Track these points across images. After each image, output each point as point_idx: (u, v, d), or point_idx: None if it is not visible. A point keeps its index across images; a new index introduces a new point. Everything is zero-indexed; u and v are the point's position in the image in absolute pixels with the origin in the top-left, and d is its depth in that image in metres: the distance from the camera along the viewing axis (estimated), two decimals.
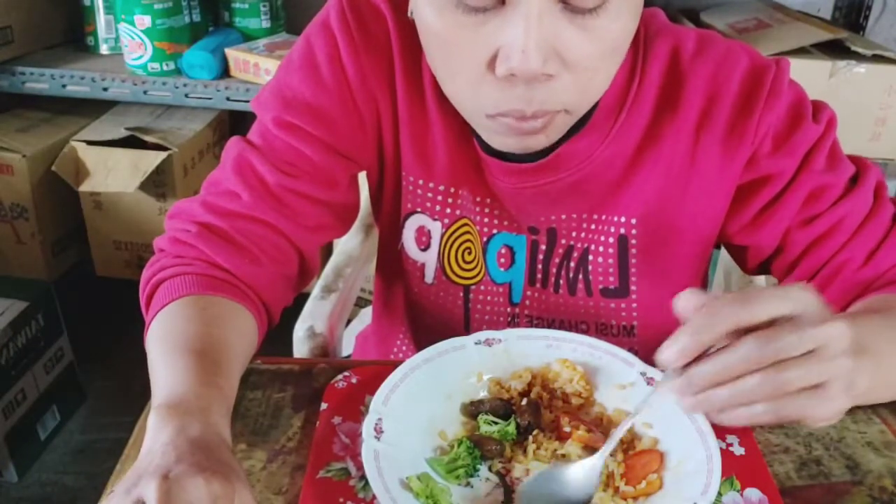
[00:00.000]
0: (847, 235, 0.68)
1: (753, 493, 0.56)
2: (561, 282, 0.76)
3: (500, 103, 0.57)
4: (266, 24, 1.86)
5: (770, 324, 0.48)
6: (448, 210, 0.75)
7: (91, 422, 1.76)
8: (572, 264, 0.75)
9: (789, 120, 0.67)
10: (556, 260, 0.75)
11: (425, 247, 0.78)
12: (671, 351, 0.48)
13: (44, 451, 1.67)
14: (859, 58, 1.55)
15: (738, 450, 0.59)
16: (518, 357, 0.66)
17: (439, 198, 0.75)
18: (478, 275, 0.77)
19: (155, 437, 0.50)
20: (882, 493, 0.57)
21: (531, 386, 0.65)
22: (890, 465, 0.60)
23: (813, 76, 1.54)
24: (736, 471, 0.57)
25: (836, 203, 0.68)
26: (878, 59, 1.56)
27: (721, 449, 0.56)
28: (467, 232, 0.76)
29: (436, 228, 0.76)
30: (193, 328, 0.61)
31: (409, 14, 0.62)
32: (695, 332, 0.48)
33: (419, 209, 0.76)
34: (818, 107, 0.69)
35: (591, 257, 0.74)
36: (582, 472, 0.55)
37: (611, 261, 0.74)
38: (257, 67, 1.70)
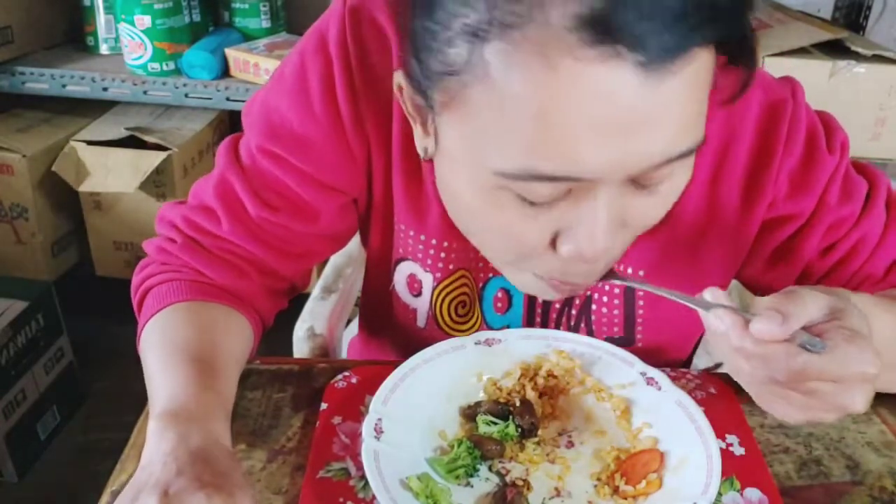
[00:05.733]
0: (866, 255, 0.67)
1: (753, 493, 0.56)
2: (561, 328, 0.73)
3: (556, 273, 0.54)
4: (266, 24, 1.85)
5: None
6: (440, 265, 0.71)
7: (91, 422, 1.76)
8: (573, 312, 0.72)
9: (805, 157, 0.64)
10: (556, 305, 0.72)
11: (417, 293, 0.74)
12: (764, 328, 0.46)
13: (44, 451, 1.67)
14: (859, 58, 1.55)
15: (738, 450, 0.59)
16: (518, 357, 0.66)
17: (431, 251, 0.70)
18: (472, 326, 0.74)
19: (156, 446, 0.49)
20: (882, 493, 0.57)
21: (523, 380, 0.64)
22: (890, 465, 0.60)
23: (813, 76, 1.54)
24: (736, 471, 0.57)
25: (852, 228, 0.66)
26: (878, 59, 1.55)
27: (721, 449, 0.56)
28: (463, 284, 0.72)
29: (427, 280, 0.72)
30: (187, 333, 0.61)
31: (420, 154, 0.56)
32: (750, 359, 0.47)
33: (410, 258, 0.72)
34: (830, 130, 0.66)
35: (594, 307, 0.71)
36: None
37: (616, 311, 0.71)
38: (257, 67, 1.70)
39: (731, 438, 0.60)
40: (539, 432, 0.61)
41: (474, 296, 0.73)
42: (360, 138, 0.65)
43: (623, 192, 0.48)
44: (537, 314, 0.73)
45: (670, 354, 0.76)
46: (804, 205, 0.65)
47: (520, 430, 0.60)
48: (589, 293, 0.71)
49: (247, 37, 1.84)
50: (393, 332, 0.79)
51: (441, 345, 0.65)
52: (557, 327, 0.74)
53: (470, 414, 0.62)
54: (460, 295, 0.73)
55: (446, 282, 0.72)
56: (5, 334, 1.54)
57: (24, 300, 1.60)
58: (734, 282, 0.75)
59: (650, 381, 0.63)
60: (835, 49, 1.59)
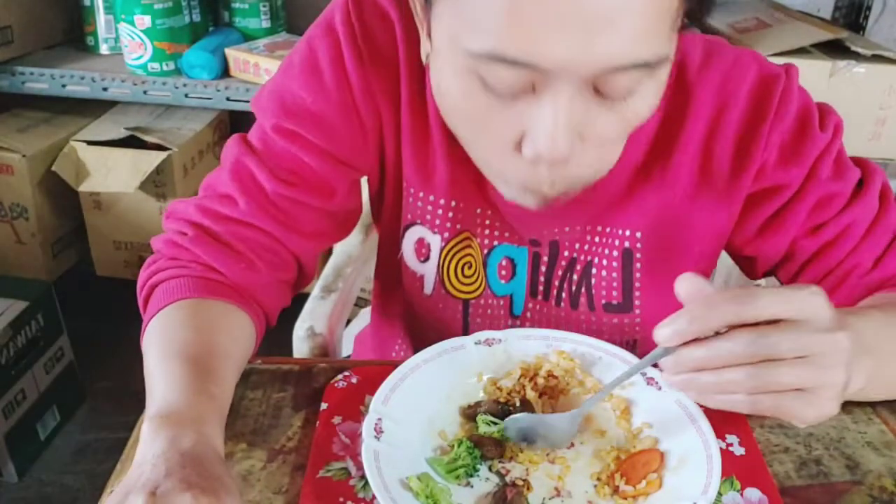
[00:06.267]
0: (854, 242, 0.68)
1: (753, 493, 0.56)
2: (563, 295, 0.75)
3: (523, 181, 0.57)
4: (266, 24, 1.86)
5: (773, 321, 0.48)
6: (448, 224, 0.74)
7: (91, 422, 1.76)
8: (575, 277, 0.74)
9: (797, 130, 0.66)
10: (559, 272, 0.74)
11: (425, 258, 0.76)
12: (668, 330, 0.49)
13: (44, 451, 1.67)
14: (859, 58, 1.55)
15: (738, 450, 0.59)
16: (518, 357, 0.66)
17: (439, 211, 0.73)
18: (478, 289, 0.76)
19: (147, 448, 0.49)
20: (882, 493, 0.57)
21: (523, 380, 0.64)
22: (890, 464, 0.60)
23: (813, 76, 1.54)
24: (736, 471, 0.57)
25: (842, 210, 0.67)
26: (878, 59, 1.56)
27: (721, 449, 0.56)
28: (468, 246, 0.75)
29: (435, 242, 0.75)
30: (188, 334, 0.61)
31: (423, 60, 0.61)
32: (693, 321, 0.48)
33: (419, 221, 0.75)
34: (824, 112, 0.68)
35: (594, 271, 0.73)
36: (567, 419, 0.59)
37: (615, 275, 0.73)
38: (257, 67, 1.70)
39: (731, 438, 0.60)
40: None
41: (479, 260, 0.75)
42: (370, 108, 0.68)
43: (584, 98, 0.50)
44: (540, 282, 0.75)
45: None
46: (793, 174, 0.67)
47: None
48: (589, 259, 0.73)
49: (247, 37, 1.84)
50: (402, 307, 0.82)
51: (441, 345, 0.65)
52: (559, 294, 0.75)
53: (470, 414, 0.62)
54: (466, 256, 0.75)
55: (453, 242, 0.74)
56: (5, 334, 1.54)
57: (24, 300, 1.61)
58: (737, 271, 0.76)
59: (650, 381, 0.63)
60: (835, 49, 1.59)
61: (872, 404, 0.65)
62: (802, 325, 0.47)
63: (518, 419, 0.60)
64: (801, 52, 1.57)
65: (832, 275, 0.69)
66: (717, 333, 0.48)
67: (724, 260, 0.98)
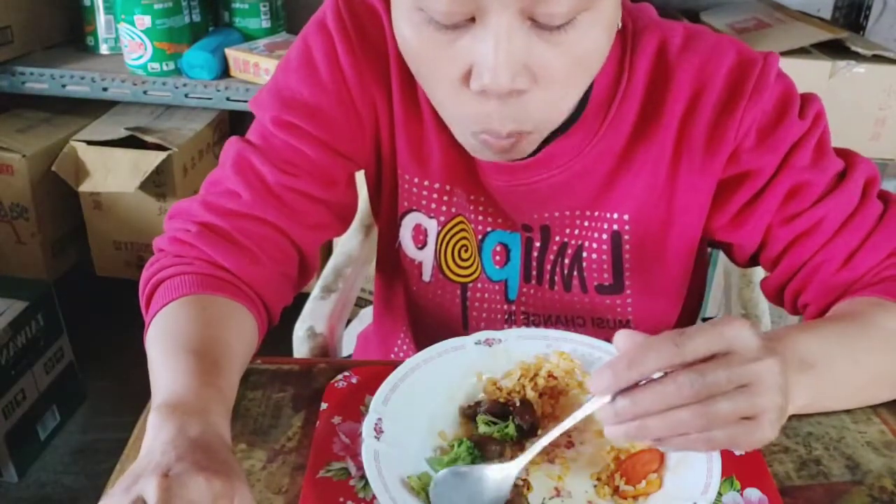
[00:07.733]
0: (827, 235, 0.67)
1: (753, 492, 0.56)
2: (556, 279, 0.76)
3: (477, 121, 0.57)
4: (266, 24, 1.86)
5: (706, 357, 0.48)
6: (444, 208, 0.75)
7: (91, 422, 1.76)
8: (566, 261, 0.75)
9: (774, 115, 0.66)
10: (551, 257, 0.76)
11: (422, 245, 0.78)
12: (604, 379, 0.48)
13: (44, 451, 1.67)
14: (859, 58, 1.55)
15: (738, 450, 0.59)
16: (518, 357, 0.66)
17: (434, 196, 0.75)
18: (474, 272, 0.78)
19: (155, 436, 0.50)
20: (882, 493, 0.57)
21: (523, 381, 0.64)
22: (890, 465, 0.60)
23: (813, 76, 1.54)
24: (736, 471, 0.57)
25: (817, 201, 0.66)
26: (878, 59, 1.56)
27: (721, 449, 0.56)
28: (463, 230, 0.76)
29: (432, 227, 0.76)
30: (193, 329, 0.61)
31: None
32: (630, 365, 0.47)
33: (415, 207, 0.76)
34: (806, 100, 0.68)
35: (584, 254, 0.74)
36: (498, 474, 0.55)
37: (605, 257, 0.74)
38: (257, 67, 1.70)
39: None
40: (539, 432, 0.61)
41: (474, 244, 0.77)
42: (364, 99, 0.70)
43: (524, 29, 0.52)
44: (533, 267, 0.77)
45: (662, 305, 0.78)
46: (767, 160, 0.67)
47: (519, 430, 0.60)
48: (579, 243, 0.74)
49: (247, 37, 1.84)
50: (403, 298, 0.84)
51: (441, 345, 0.66)
52: (552, 278, 0.76)
53: (470, 414, 0.62)
54: (461, 240, 0.77)
55: (449, 225, 0.76)
56: (5, 334, 1.54)
57: (24, 300, 1.61)
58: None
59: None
60: (835, 49, 1.59)
61: (873, 405, 0.65)
62: (734, 357, 0.47)
63: (440, 480, 0.55)
64: (801, 52, 1.57)
65: (803, 269, 0.68)
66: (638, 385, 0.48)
67: (725, 258, 0.98)
